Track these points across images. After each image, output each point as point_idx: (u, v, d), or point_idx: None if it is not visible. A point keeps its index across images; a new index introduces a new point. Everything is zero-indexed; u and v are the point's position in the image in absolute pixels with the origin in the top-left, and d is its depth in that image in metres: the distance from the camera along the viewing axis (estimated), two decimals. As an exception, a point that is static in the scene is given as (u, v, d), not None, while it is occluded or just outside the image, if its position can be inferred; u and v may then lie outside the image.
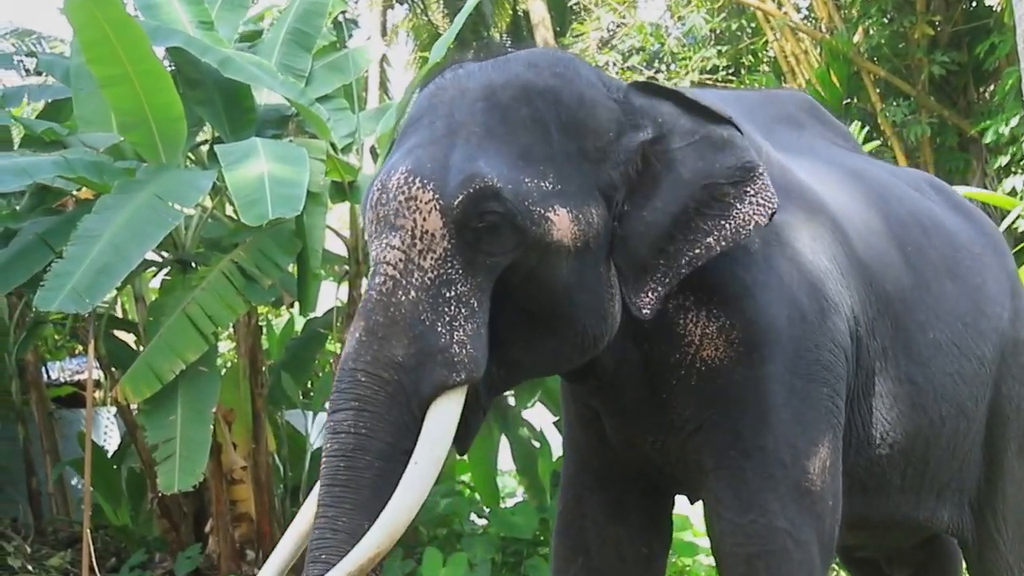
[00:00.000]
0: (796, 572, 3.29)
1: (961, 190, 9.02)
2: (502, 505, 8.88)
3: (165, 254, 7.79)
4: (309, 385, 9.80)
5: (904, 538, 4.38)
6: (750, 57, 17.40)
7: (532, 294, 3.00)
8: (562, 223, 2.98)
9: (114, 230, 6.45)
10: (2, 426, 10.37)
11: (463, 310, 2.91)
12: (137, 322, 8.07)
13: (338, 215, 9.63)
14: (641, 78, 15.99)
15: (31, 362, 10.11)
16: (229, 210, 7.77)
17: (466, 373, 2.89)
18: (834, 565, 5.66)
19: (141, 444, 7.88)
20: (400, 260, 2.92)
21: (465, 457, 8.70)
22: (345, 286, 8.66)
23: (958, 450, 3.99)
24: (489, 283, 2.95)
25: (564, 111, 3.09)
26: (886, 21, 14.23)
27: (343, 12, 9.47)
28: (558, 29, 19.73)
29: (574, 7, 20.84)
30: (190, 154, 8.22)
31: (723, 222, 3.15)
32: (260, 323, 8.98)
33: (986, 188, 12.64)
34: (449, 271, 2.92)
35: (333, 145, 7.78)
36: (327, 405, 2.98)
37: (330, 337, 9.30)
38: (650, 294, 3.12)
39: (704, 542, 6.78)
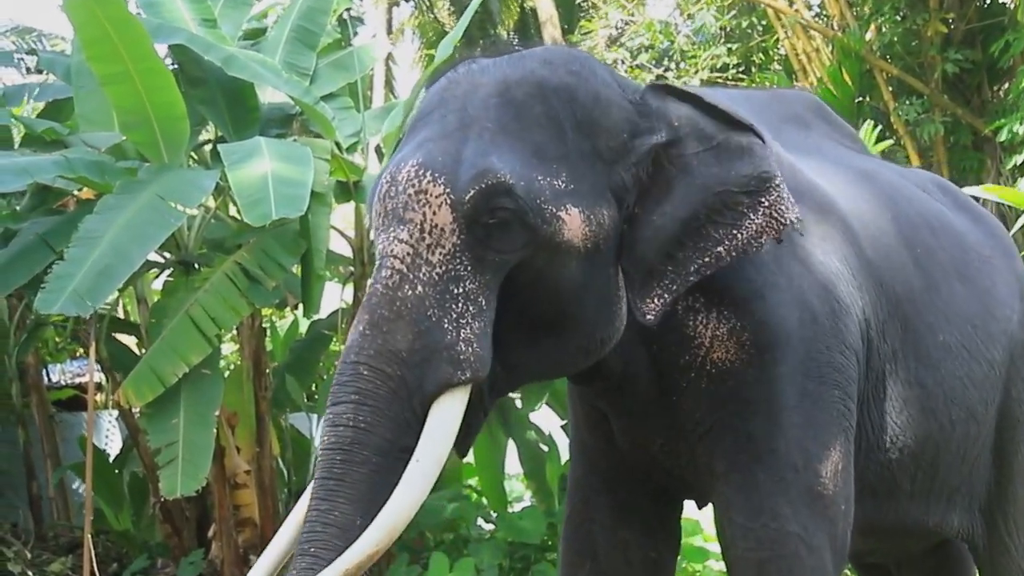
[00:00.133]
0: (808, 578, 3.29)
1: (973, 190, 9.05)
2: (509, 509, 8.87)
3: (167, 255, 7.77)
4: (314, 388, 9.80)
5: (914, 543, 4.37)
6: (761, 55, 17.39)
7: (539, 294, 2.99)
8: (573, 223, 2.97)
9: (116, 231, 6.44)
10: (2, 429, 10.39)
11: (471, 307, 2.90)
12: (139, 324, 8.08)
13: (343, 215, 9.63)
14: (650, 76, 16.14)
15: (32, 365, 10.13)
16: (232, 210, 7.76)
17: (471, 372, 2.88)
18: (845, 571, 5.66)
19: (143, 448, 7.90)
20: (408, 254, 2.91)
21: (472, 461, 8.73)
22: (350, 287, 8.65)
23: (968, 454, 3.99)
24: (497, 282, 2.94)
25: (579, 109, 3.08)
26: (899, 18, 14.19)
27: (348, 9, 9.46)
28: (566, 26, 19.72)
29: (582, 4, 20.89)
30: (193, 154, 8.21)
31: (735, 232, 3.14)
32: (264, 325, 9.00)
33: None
34: (458, 267, 2.91)
35: (338, 144, 7.77)
36: (326, 417, 2.95)
37: (335, 339, 9.30)
38: (656, 300, 3.11)
39: (714, 547, 6.77)
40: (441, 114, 3.09)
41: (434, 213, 2.91)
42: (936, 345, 3.79)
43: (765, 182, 3.15)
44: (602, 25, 18.52)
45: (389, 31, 24.78)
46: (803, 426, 3.31)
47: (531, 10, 21.75)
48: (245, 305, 7.12)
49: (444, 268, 2.90)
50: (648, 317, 3.10)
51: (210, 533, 8.32)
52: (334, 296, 9.50)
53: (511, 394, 7.35)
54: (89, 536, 7.38)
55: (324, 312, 8.83)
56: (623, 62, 17.48)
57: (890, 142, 12.70)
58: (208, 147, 8.38)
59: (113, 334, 8.51)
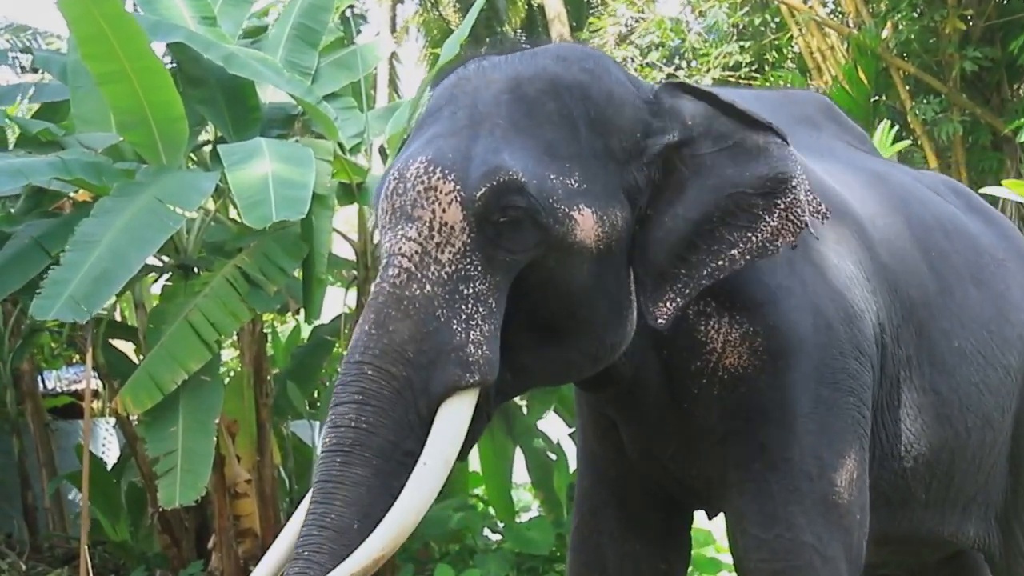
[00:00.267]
0: (823, 589, 3.28)
1: (993, 189, 9.03)
2: (517, 520, 8.88)
3: (166, 259, 7.79)
4: (316, 395, 9.81)
5: (929, 554, 4.37)
6: (774, 53, 17.37)
7: (549, 296, 2.98)
8: (586, 223, 2.96)
9: (113, 235, 6.45)
10: (-3, 438, 10.40)
11: (480, 309, 2.88)
12: (136, 328, 8.08)
13: (345, 218, 9.64)
14: (661, 75, 16.12)
15: (27, 371, 10.14)
16: (233, 213, 7.76)
17: (480, 375, 2.86)
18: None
19: (141, 457, 7.89)
20: (416, 252, 2.89)
21: (478, 469, 8.72)
22: (353, 292, 8.65)
23: (984, 462, 3.98)
24: (507, 283, 2.93)
25: (592, 107, 3.07)
26: (916, 15, 14.18)
27: (350, 7, 9.51)
28: (574, 24, 19.77)
29: (591, 1, 20.86)
30: (192, 155, 8.23)
31: (749, 235, 3.12)
32: (265, 330, 8.99)
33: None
34: (468, 267, 2.89)
35: (341, 145, 7.78)
36: (328, 417, 2.93)
37: (337, 345, 9.30)
38: (668, 304, 3.09)
39: (727, 558, 6.77)
40: (451, 111, 3.08)
41: (444, 211, 2.90)
42: (951, 351, 3.78)
43: (781, 183, 3.14)
44: (611, 22, 18.52)
45: (393, 29, 24.86)
46: (817, 434, 3.30)
47: (538, 7, 21.78)
48: (245, 310, 7.13)
49: (454, 267, 2.89)
50: (660, 321, 3.09)
51: (210, 544, 8.31)
52: (337, 301, 9.50)
53: (516, 400, 7.35)
54: (86, 547, 7.38)
55: (326, 317, 8.83)
56: (633, 60, 17.48)
57: (907, 142, 12.70)
58: (208, 148, 8.39)
59: (110, 340, 8.52)
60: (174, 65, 7.99)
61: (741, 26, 17.30)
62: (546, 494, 8.76)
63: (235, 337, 8.58)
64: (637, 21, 18.38)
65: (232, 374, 9.99)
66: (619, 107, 3.11)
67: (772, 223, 3.12)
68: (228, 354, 11.29)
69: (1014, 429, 4.10)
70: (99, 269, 6.31)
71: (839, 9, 16.68)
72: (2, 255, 7.13)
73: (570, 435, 8.49)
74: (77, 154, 7.26)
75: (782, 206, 3.13)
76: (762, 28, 17.32)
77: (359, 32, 10.56)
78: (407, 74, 35.98)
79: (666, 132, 3.13)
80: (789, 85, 14.15)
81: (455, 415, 2.87)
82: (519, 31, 24.33)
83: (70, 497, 10.70)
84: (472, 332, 2.86)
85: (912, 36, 14.23)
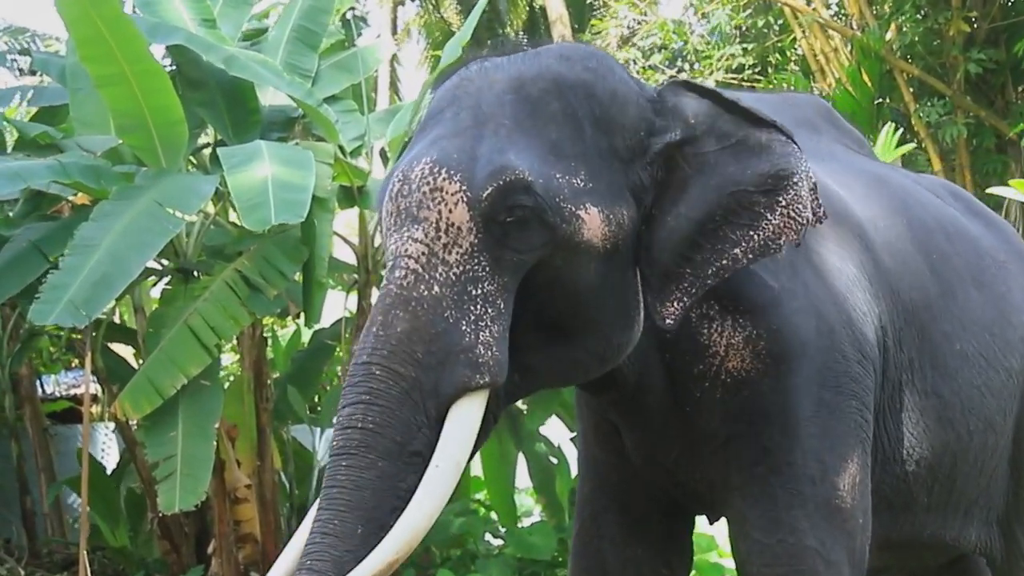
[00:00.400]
0: (827, 594, 3.29)
1: (999, 190, 9.03)
2: (519, 524, 8.88)
3: (166, 262, 7.79)
4: (316, 399, 9.81)
5: (931, 558, 4.36)
6: (777, 55, 17.35)
7: (556, 296, 2.97)
8: (593, 222, 2.95)
9: (112, 238, 6.46)
10: (-5, 443, 10.40)
11: (489, 310, 2.87)
12: (136, 331, 8.09)
13: (346, 221, 9.65)
14: (663, 77, 16.12)
15: (25, 376, 10.14)
16: (233, 216, 7.77)
17: (490, 376, 2.85)
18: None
19: (141, 462, 7.90)
20: (423, 254, 2.88)
21: (480, 474, 8.73)
22: (354, 295, 8.65)
23: (986, 466, 3.98)
24: (515, 283, 2.92)
25: (597, 106, 3.07)
26: (920, 17, 14.18)
27: (351, 9, 9.51)
28: (576, 26, 19.76)
29: (593, 3, 20.89)
30: (192, 158, 8.24)
31: (751, 233, 3.11)
32: (265, 335, 9.00)
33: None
34: (475, 267, 2.88)
35: (341, 148, 7.79)
36: (335, 420, 2.92)
37: (338, 349, 9.31)
38: (675, 304, 3.09)
39: (729, 563, 6.77)
40: (454, 112, 3.07)
41: (450, 211, 2.89)
42: (953, 354, 3.78)
43: (782, 180, 3.13)
44: (614, 24, 18.52)
45: (394, 31, 24.90)
46: (820, 437, 3.30)
47: (540, 9, 21.82)
48: (245, 314, 7.14)
49: (461, 268, 2.88)
50: (667, 322, 3.09)
51: (210, 549, 8.32)
52: (337, 305, 9.51)
53: (518, 405, 7.35)
54: (85, 553, 7.40)
55: (327, 321, 8.85)
56: (635, 63, 17.47)
57: (911, 145, 12.69)
58: (207, 151, 8.40)
59: (109, 344, 8.52)
60: (174, 67, 8.00)
61: (744, 28, 17.28)
62: (548, 499, 8.78)
63: (235, 341, 8.61)
64: (639, 23, 18.38)
65: (232, 378, 10.01)
66: (623, 106, 3.11)
67: (774, 221, 3.11)
68: (228, 358, 11.30)
69: (1015, 432, 4.10)
70: (98, 273, 6.32)
71: (843, 11, 16.67)
72: (0, 259, 7.13)
73: (572, 440, 8.49)
74: (76, 157, 7.27)
75: (783, 203, 3.12)
76: (765, 30, 17.31)
77: (360, 34, 10.53)
78: (408, 77, 36.07)
79: (669, 130, 3.13)
80: (792, 88, 14.15)
81: (466, 417, 2.86)
82: (521, 33, 24.32)
83: (69, 502, 10.71)
84: (481, 333, 2.85)
85: (916, 38, 14.22)
